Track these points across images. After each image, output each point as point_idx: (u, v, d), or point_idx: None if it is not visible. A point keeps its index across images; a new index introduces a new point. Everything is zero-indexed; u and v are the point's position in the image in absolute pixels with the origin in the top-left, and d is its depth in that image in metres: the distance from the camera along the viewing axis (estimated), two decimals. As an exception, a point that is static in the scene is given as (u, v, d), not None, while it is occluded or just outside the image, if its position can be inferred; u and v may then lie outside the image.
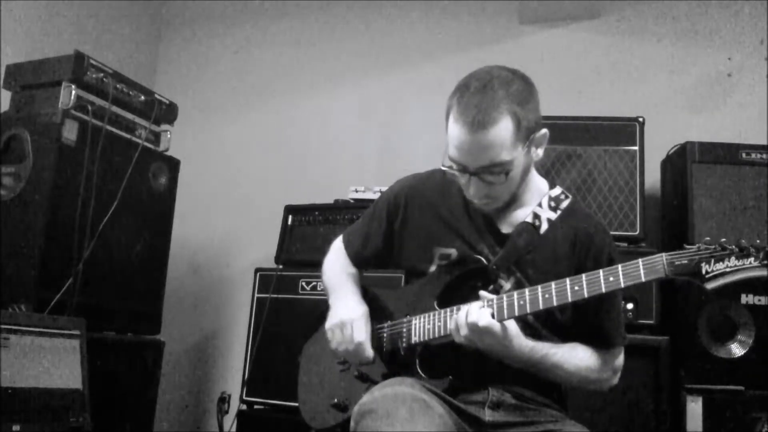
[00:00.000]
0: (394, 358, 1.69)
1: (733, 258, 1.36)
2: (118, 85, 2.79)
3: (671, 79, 3.25)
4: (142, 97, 2.92)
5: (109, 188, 2.67)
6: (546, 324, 1.61)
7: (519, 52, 3.44)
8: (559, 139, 2.75)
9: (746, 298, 2.48)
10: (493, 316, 1.49)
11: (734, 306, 2.49)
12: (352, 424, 1.44)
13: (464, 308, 1.52)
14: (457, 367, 1.58)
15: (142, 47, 4.07)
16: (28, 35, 3.27)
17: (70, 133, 2.56)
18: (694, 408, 2.41)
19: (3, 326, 2.08)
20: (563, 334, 1.63)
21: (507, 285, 1.61)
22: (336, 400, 1.71)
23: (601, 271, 1.45)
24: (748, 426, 2.37)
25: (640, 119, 2.77)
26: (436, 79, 3.48)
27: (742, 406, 2.39)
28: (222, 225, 3.81)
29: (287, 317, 2.92)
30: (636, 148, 2.74)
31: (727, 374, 2.44)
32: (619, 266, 1.43)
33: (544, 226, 1.64)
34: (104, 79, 2.73)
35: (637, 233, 2.67)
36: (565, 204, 1.68)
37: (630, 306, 2.51)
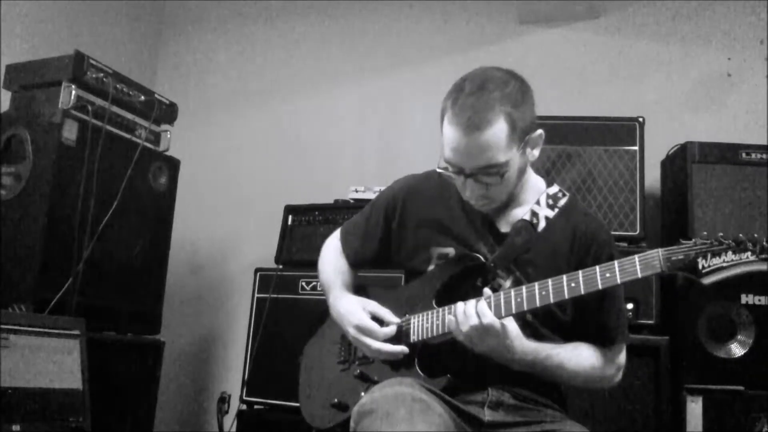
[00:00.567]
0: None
1: (729, 252, 1.35)
2: (118, 85, 2.79)
3: (671, 79, 3.25)
4: (142, 97, 2.92)
5: (109, 188, 2.67)
6: (546, 323, 1.61)
7: (519, 52, 3.44)
8: (559, 139, 2.75)
9: (746, 298, 2.48)
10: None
11: (734, 306, 2.49)
12: (351, 424, 1.44)
13: (461, 304, 1.52)
14: (457, 367, 1.58)
15: (142, 47, 4.07)
16: (28, 35, 3.27)
17: (70, 133, 2.56)
18: (694, 408, 2.41)
19: (3, 326, 2.08)
20: (563, 333, 1.63)
21: (506, 283, 1.61)
22: (336, 399, 1.71)
23: (597, 267, 1.45)
24: (748, 426, 2.37)
25: (640, 119, 2.77)
26: (436, 79, 3.44)
27: (742, 406, 2.39)
28: (222, 225, 3.81)
29: (287, 317, 2.92)
30: (636, 148, 2.74)
31: (727, 374, 2.44)
32: (616, 262, 1.43)
33: (542, 224, 1.64)
34: (104, 79, 2.73)
35: (637, 233, 2.67)
36: (562, 202, 1.68)
37: (630, 306, 2.51)
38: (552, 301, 1.47)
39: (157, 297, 2.98)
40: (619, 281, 1.42)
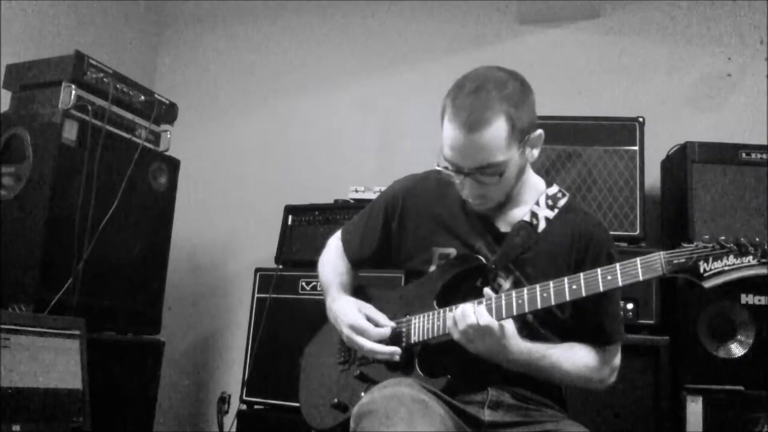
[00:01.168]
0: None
1: (731, 256, 1.35)
2: (118, 85, 2.79)
3: (671, 79, 3.25)
4: (142, 97, 2.92)
5: (109, 188, 2.67)
6: (545, 323, 1.61)
7: (519, 52, 3.44)
8: (559, 139, 2.75)
9: (746, 298, 2.48)
10: (492, 315, 1.49)
11: (734, 306, 2.49)
12: (351, 424, 1.44)
13: (461, 306, 1.52)
14: (457, 367, 1.58)
15: (142, 47, 4.07)
16: (28, 35, 3.27)
17: (70, 133, 2.56)
18: (694, 408, 2.41)
19: (3, 326, 2.09)
20: (562, 333, 1.63)
21: (506, 284, 1.61)
22: (336, 400, 1.71)
23: (599, 270, 1.45)
24: (748, 426, 2.37)
25: (640, 119, 2.77)
26: (436, 79, 3.45)
27: (742, 406, 2.39)
28: (222, 225, 3.82)
29: (287, 317, 2.92)
30: (636, 148, 2.74)
31: (727, 374, 2.44)
32: (617, 265, 1.43)
33: (542, 225, 1.64)
34: (104, 79, 2.73)
35: (637, 233, 2.67)
36: (562, 202, 1.68)
37: (630, 306, 2.51)
38: (553, 303, 1.48)
39: (157, 297, 2.98)
40: (620, 284, 1.42)
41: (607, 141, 2.76)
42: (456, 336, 1.52)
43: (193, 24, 4.17)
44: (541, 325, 1.61)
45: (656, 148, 2.88)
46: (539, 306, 1.48)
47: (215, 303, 3.77)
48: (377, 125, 3.69)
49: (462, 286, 1.63)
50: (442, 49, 3.64)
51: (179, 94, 3.42)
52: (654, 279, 1.44)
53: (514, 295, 1.50)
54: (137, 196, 2.83)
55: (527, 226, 1.64)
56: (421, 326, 1.64)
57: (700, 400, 2.41)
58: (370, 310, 1.73)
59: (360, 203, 2.99)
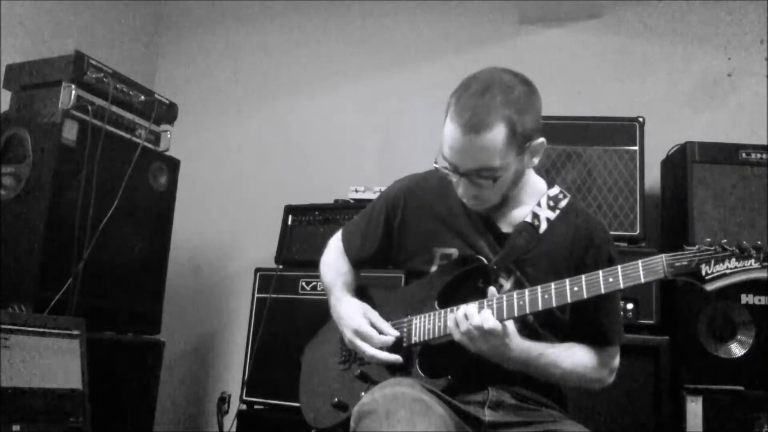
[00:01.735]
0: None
1: (733, 259, 1.35)
2: (118, 85, 2.79)
3: (671, 79, 3.25)
4: (142, 97, 2.92)
5: (109, 188, 2.67)
6: (545, 323, 1.61)
7: (519, 52, 3.44)
8: (559, 139, 2.75)
9: (746, 298, 2.48)
10: (493, 316, 1.49)
11: (734, 306, 2.49)
12: (352, 424, 1.44)
13: (462, 307, 1.52)
14: (457, 367, 1.57)
15: (142, 47, 4.07)
16: (28, 35, 3.27)
17: (70, 133, 2.56)
18: (694, 408, 2.41)
19: (3, 326, 2.08)
20: (561, 333, 1.64)
21: (507, 284, 1.61)
22: (336, 399, 1.71)
23: (600, 272, 1.45)
24: (748, 426, 2.37)
25: (640, 119, 2.77)
26: (436, 79, 3.48)
27: (742, 406, 2.39)
28: (222, 225, 3.82)
29: (287, 317, 2.92)
30: (636, 148, 2.75)
31: (727, 374, 2.44)
32: (619, 267, 1.43)
33: (544, 226, 1.64)
34: (104, 79, 2.73)
35: (637, 233, 2.67)
36: (563, 203, 1.68)
37: (630, 306, 2.51)
38: (555, 305, 1.47)
39: (157, 297, 2.98)
40: (622, 286, 1.42)
41: (607, 141, 2.77)
42: (457, 337, 1.52)
43: (193, 24, 4.17)
44: (541, 325, 1.61)
45: (656, 148, 2.88)
46: (540, 307, 1.48)
47: (215, 303, 3.77)
48: (377, 125, 3.69)
49: (463, 286, 1.62)
50: (442, 49, 3.64)
51: (179, 94, 3.42)
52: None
53: (515, 295, 1.50)
54: (137, 196, 2.83)
55: (529, 227, 1.64)
56: (422, 327, 1.64)
57: (700, 400, 2.41)
58: (375, 316, 1.72)
59: (360, 203, 2.99)
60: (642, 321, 2.52)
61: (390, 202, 1.81)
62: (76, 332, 2.28)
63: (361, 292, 1.85)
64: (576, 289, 1.45)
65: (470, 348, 1.52)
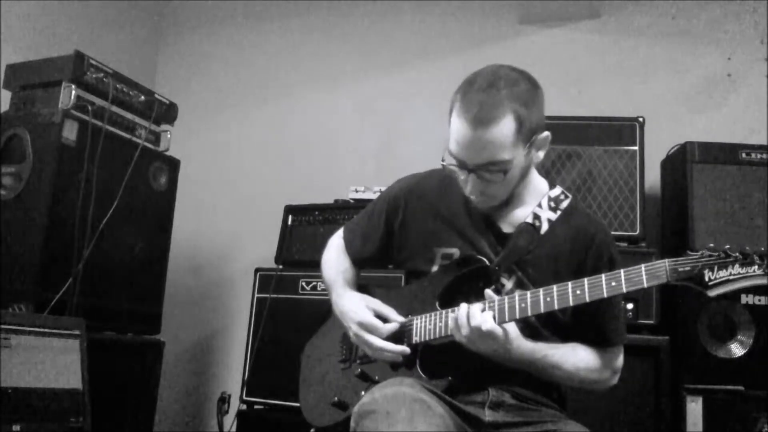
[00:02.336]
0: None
1: (736, 265, 1.35)
2: (118, 85, 2.79)
3: (671, 79, 3.25)
4: (142, 97, 2.92)
5: (109, 188, 2.67)
6: (547, 324, 1.61)
7: (519, 52, 3.44)
8: (559, 139, 2.74)
9: (746, 298, 2.48)
10: (494, 318, 1.49)
11: (734, 306, 2.49)
12: (352, 424, 1.44)
13: (464, 307, 1.52)
14: (458, 368, 1.58)
15: (142, 47, 4.07)
16: (28, 35, 3.27)
17: (70, 133, 2.56)
18: (694, 408, 2.41)
19: (3, 326, 2.08)
20: (564, 334, 1.64)
21: (508, 285, 1.61)
22: (336, 398, 1.71)
23: (603, 275, 1.45)
24: (748, 426, 2.37)
25: (640, 119, 2.77)
26: (436, 78, 3.48)
27: (742, 406, 2.39)
28: (222, 225, 3.82)
29: (287, 317, 2.92)
30: (636, 148, 2.74)
31: (727, 374, 2.44)
32: (622, 271, 1.43)
33: (545, 227, 1.64)
34: (104, 79, 2.73)
35: (637, 233, 2.67)
36: (564, 204, 1.68)
37: (630, 306, 2.51)
38: (556, 307, 1.48)
39: (157, 297, 2.98)
40: (624, 290, 1.42)
41: (607, 141, 2.77)
42: (458, 337, 1.52)
43: (193, 24, 4.17)
44: (543, 325, 1.61)
45: (656, 148, 2.88)
46: (542, 310, 1.48)
47: (215, 303, 3.77)
48: (377, 125, 3.69)
49: (464, 287, 1.62)
50: (442, 49, 3.64)
51: (179, 94, 3.41)
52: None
53: (517, 297, 1.50)
54: (137, 196, 2.83)
55: (529, 228, 1.64)
56: (423, 327, 1.64)
57: (700, 400, 2.41)
58: (377, 304, 1.72)
59: (360, 203, 2.99)
60: (642, 321, 2.52)
61: (391, 201, 1.81)
62: (76, 332, 2.28)
63: (361, 291, 1.85)
64: (578, 292, 1.45)
65: (471, 348, 1.52)
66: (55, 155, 2.52)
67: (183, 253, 3.53)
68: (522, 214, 1.67)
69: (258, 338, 2.93)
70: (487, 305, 1.51)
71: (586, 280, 1.46)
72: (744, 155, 2.62)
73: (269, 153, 3.82)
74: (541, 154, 1.63)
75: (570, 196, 1.71)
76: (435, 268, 1.70)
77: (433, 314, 1.63)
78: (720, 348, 2.48)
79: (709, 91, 3.19)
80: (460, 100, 1.53)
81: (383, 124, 3.68)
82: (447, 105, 1.58)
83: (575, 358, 1.61)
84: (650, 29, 3.33)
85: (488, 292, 1.53)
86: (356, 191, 3.08)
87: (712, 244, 1.40)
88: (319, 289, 2.86)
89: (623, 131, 2.77)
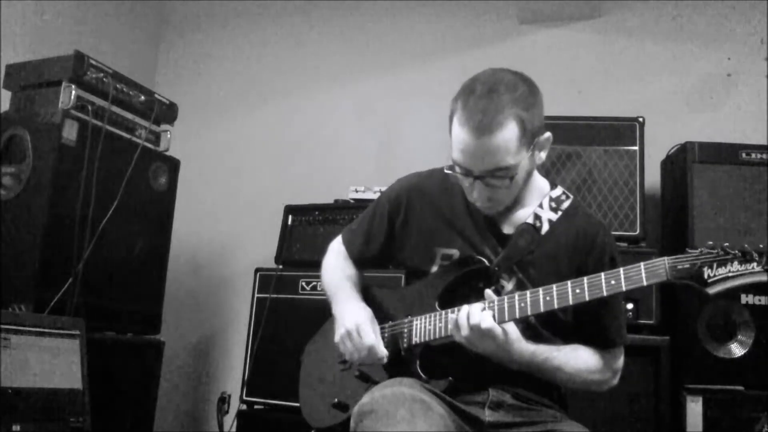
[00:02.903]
0: (395, 359, 1.68)
1: (735, 263, 1.35)
2: (118, 85, 2.79)
3: (671, 79, 3.25)
4: (142, 97, 2.92)
5: (109, 188, 2.66)
6: (547, 325, 1.61)
7: (519, 52, 3.44)
8: (559, 139, 2.72)
9: (746, 298, 2.48)
10: (494, 317, 1.49)
11: (734, 306, 2.49)
12: (352, 424, 1.44)
13: (465, 308, 1.52)
14: (458, 368, 1.58)
15: (142, 47, 4.07)
16: (28, 35, 3.27)
17: (70, 133, 2.56)
18: (694, 408, 2.41)
19: (3, 326, 2.08)
20: (564, 335, 1.64)
21: (509, 286, 1.61)
22: (336, 399, 1.71)
23: (602, 274, 1.45)
24: (748, 426, 2.37)
25: (640, 119, 2.77)
26: (436, 78, 3.49)
27: (742, 406, 2.39)
28: (222, 225, 3.81)
29: (287, 317, 2.92)
30: (636, 148, 2.74)
31: (727, 374, 2.44)
32: (621, 270, 1.43)
33: (545, 227, 1.64)
34: (104, 79, 2.73)
35: (637, 233, 2.67)
36: (565, 205, 1.68)
37: (630, 306, 2.51)
38: (556, 307, 1.48)
39: (157, 297, 2.98)
40: (624, 288, 1.42)
41: (607, 141, 2.77)
42: (458, 338, 1.52)
43: (193, 24, 4.17)
44: (543, 326, 1.61)
45: (656, 148, 2.88)
46: (542, 309, 1.48)
47: (215, 303, 3.77)
48: (377, 125, 3.69)
49: (464, 287, 1.63)
50: (442, 49, 3.64)
51: (179, 94, 3.41)
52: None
53: (516, 297, 1.50)
54: (137, 196, 2.82)
55: (530, 229, 1.64)
56: (423, 327, 1.64)
57: (700, 400, 2.41)
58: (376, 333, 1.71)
59: (360, 203, 2.99)
60: (642, 321, 2.52)
61: (393, 200, 1.81)
62: (76, 332, 2.28)
63: (362, 292, 1.84)
64: (578, 291, 1.45)
65: (471, 349, 1.52)
66: (55, 155, 2.52)
67: (183, 253, 3.53)
68: (523, 214, 1.67)
69: (258, 338, 2.93)
70: (486, 305, 1.51)
71: (585, 279, 1.46)
72: (744, 155, 2.62)
73: (269, 153, 3.82)
74: (543, 155, 1.63)
75: (571, 196, 1.71)
76: (435, 269, 1.70)
77: (432, 315, 1.63)
78: (720, 348, 2.48)
79: (709, 91, 3.19)
80: (461, 108, 1.53)
81: (383, 124, 3.68)
82: (447, 105, 1.58)
83: (576, 359, 1.61)
84: (650, 29, 3.33)
85: (488, 292, 1.53)
86: (356, 191, 3.08)
87: (711, 242, 1.40)
88: (319, 289, 2.86)
89: (623, 131, 2.77)
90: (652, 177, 2.94)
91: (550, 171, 2.73)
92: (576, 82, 3.34)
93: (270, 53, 3.98)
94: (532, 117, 1.53)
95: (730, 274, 1.35)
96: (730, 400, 2.40)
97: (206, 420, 3.60)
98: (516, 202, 1.67)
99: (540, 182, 1.73)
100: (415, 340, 1.65)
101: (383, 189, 1.92)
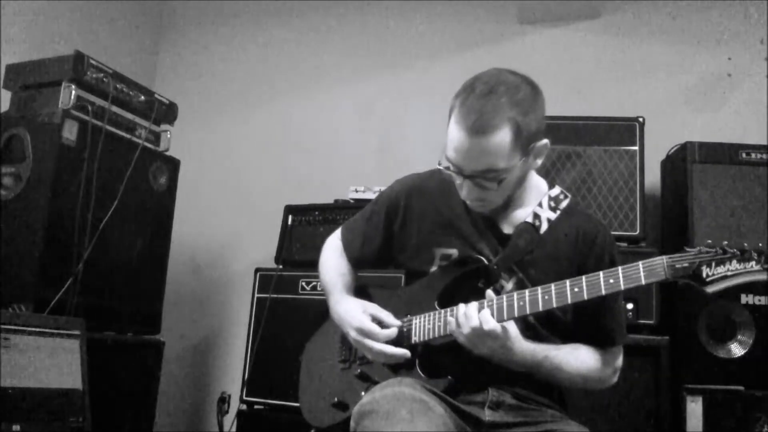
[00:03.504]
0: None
1: (734, 261, 1.35)
2: (118, 85, 2.79)
3: (671, 79, 3.25)
4: (142, 97, 2.92)
5: (109, 188, 2.67)
6: (546, 324, 1.61)
7: (519, 52, 3.44)
8: (559, 139, 2.75)
9: (746, 298, 2.48)
10: (493, 316, 1.49)
11: (734, 306, 2.49)
12: (352, 424, 1.44)
13: (464, 307, 1.52)
14: (457, 368, 1.58)
15: (142, 47, 4.07)
16: (28, 35, 3.27)
17: (70, 133, 2.56)
18: (694, 408, 2.41)
19: (3, 326, 2.08)
20: (563, 334, 1.64)
21: (508, 285, 1.61)
22: (336, 399, 1.71)
23: (601, 273, 1.45)
24: (748, 426, 2.37)
25: (640, 119, 2.77)
26: (436, 78, 3.49)
27: (742, 406, 2.39)
28: (222, 225, 3.81)
29: (287, 317, 2.92)
30: (636, 148, 2.74)
31: (727, 374, 2.44)
32: (620, 268, 1.43)
33: (545, 226, 1.64)
34: (104, 79, 2.73)
35: (637, 233, 2.67)
36: (564, 204, 1.68)
37: (630, 306, 2.51)
38: (555, 305, 1.48)
39: (157, 297, 2.98)
40: (622, 287, 1.42)
41: (607, 141, 2.76)
42: (458, 338, 1.52)
43: (193, 24, 4.17)
44: (543, 326, 1.61)
45: (656, 148, 2.87)
46: (540, 308, 1.48)
47: (215, 303, 3.77)
48: (377, 125, 3.69)
49: (464, 287, 1.62)
50: (442, 49, 3.64)
51: (179, 94, 3.41)
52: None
53: (515, 296, 1.50)
54: (137, 196, 2.83)
55: (530, 228, 1.64)
56: (423, 327, 1.64)
57: (700, 400, 2.41)
58: (375, 309, 1.72)
59: (360, 203, 2.98)
60: (642, 321, 2.52)
61: (391, 201, 1.81)
62: (76, 332, 2.28)
63: (361, 291, 1.85)
64: (576, 290, 1.45)
65: (472, 349, 1.52)
66: (55, 155, 2.52)
67: (183, 253, 3.53)
68: (523, 214, 1.67)
69: (258, 338, 2.93)
70: (486, 304, 1.51)
71: (584, 278, 1.46)
72: (744, 155, 2.62)
73: (269, 153, 3.82)
74: (539, 161, 1.62)
75: (569, 196, 1.71)
76: (434, 269, 1.70)
77: (432, 314, 1.63)
78: (720, 348, 2.48)
79: (709, 91, 3.19)
80: (459, 106, 1.52)
81: (383, 124, 3.68)
82: (447, 105, 1.58)
83: (576, 358, 1.61)
84: (650, 29, 3.32)
85: (488, 292, 1.53)
86: (356, 191, 3.08)
87: (709, 241, 1.40)
88: (319, 289, 2.86)
89: (623, 131, 2.77)
90: (652, 177, 2.94)
91: (550, 171, 2.73)
92: (576, 82, 3.34)
93: (270, 53, 3.98)
94: (529, 122, 1.51)
95: (728, 273, 1.35)
96: (730, 400, 2.40)
97: (206, 420, 3.60)
98: (514, 202, 1.67)
99: (538, 182, 1.73)
100: (415, 339, 1.65)
101: (383, 189, 1.92)
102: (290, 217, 3.12)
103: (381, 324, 1.68)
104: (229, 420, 2.98)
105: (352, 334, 1.70)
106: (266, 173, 3.78)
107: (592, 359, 1.63)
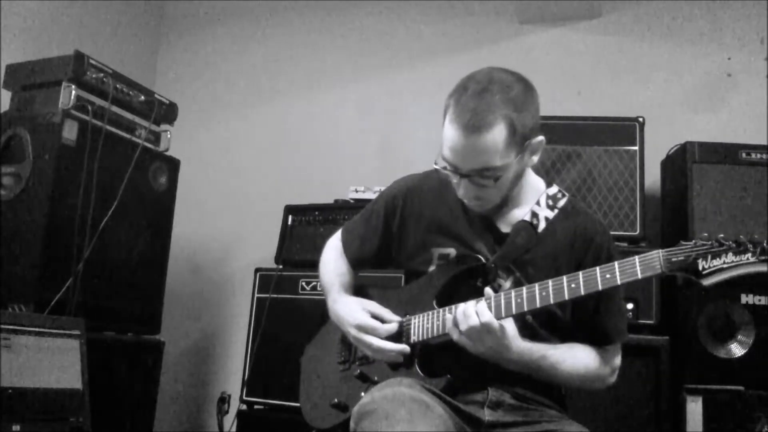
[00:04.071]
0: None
1: (730, 254, 1.35)
2: (118, 85, 2.79)
3: (671, 79, 3.25)
4: (142, 97, 2.92)
5: (109, 188, 2.67)
6: (545, 324, 1.61)
7: (519, 52, 3.44)
8: (559, 139, 2.75)
9: (746, 298, 2.48)
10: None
11: (734, 306, 2.49)
12: (351, 424, 1.44)
13: (461, 305, 1.52)
14: (457, 367, 1.58)
15: (142, 47, 4.07)
16: (28, 35, 3.27)
17: (70, 133, 2.56)
18: (694, 408, 2.41)
19: (3, 326, 2.08)
20: (562, 334, 1.63)
21: (506, 284, 1.61)
22: (336, 399, 1.71)
23: (597, 268, 1.45)
24: (748, 426, 2.37)
25: (640, 119, 2.77)
26: (436, 79, 3.47)
27: (742, 406, 2.39)
28: (222, 225, 3.82)
29: (287, 317, 2.92)
30: (636, 148, 2.74)
31: (727, 374, 2.44)
32: (616, 263, 1.43)
33: (542, 225, 1.64)
34: (104, 79, 2.73)
35: (637, 233, 2.67)
36: (562, 202, 1.68)
37: (630, 306, 2.51)
38: (552, 302, 1.47)
39: (157, 297, 2.98)
40: (619, 282, 1.42)
41: (607, 141, 2.76)
42: (456, 336, 1.52)
43: (193, 24, 4.17)
44: (541, 325, 1.61)
45: (656, 148, 2.87)
46: (538, 305, 1.48)
47: (215, 303, 3.77)
48: (377, 125, 3.69)
49: (462, 286, 1.63)
50: (442, 48, 3.64)
51: (179, 94, 3.42)
52: (653, 278, 1.44)
53: (513, 294, 1.50)
54: (137, 196, 2.83)
55: (527, 226, 1.64)
56: (421, 326, 1.64)
57: (700, 400, 2.41)
58: (374, 306, 1.73)
59: (360, 203, 2.99)
60: (642, 321, 2.52)
61: (389, 202, 1.81)
62: (76, 332, 2.28)
63: (360, 291, 1.85)
64: (573, 286, 1.45)
65: (469, 348, 1.52)
66: (55, 155, 2.52)
67: (183, 253, 3.53)
68: (520, 213, 1.67)
69: (258, 338, 2.93)
70: (483, 302, 1.51)
71: (580, 273, 1.46)
72: (744, 155, 2.62)
73: (269, 153, 3.82)
74: (535, 159, 1.62)
75: (567, 194, 1.71)
76: (432, 269, 1.70)
77: (430, 313, 1.63)
78: (720, 348, 2.48)
79: (709, 91, 3.19)
80: (453, 105, 1.53)
81: (383, 124, 3.68)
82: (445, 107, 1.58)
83: (574, 357, 1.61)
84: (650, 29, 3.32)
85: (487, 289, 1.53)
86: (356, 191, 3.09)
87: (705, 234, 1.39)
88: (319, 289, 2.86)
89: (623, 131, 2.76)
90: (652, 177, 2.94)
91: (550, 171, 2.73)
92: (576, 82, 3.34)
93: (270, 53, 3.98)
94: (523, 119, 1.52)
95: (724, 266, 1.35)
96: (730, 400, 2.40)
97: (206, 420, 3.60)
98: (512, 201, 1.67)
99: (535, 180, 1.73)
100: (414, 338, 1.65)
101: (383, 189, 1.92)
102: (290, 217, 3.12)
103: (380, 320, 1.68)
104: (229, 420, 2.98)
105: (352, 332, 1.70)
106: (266, 173, 3.78)
107: (590, 358, 1.62)
